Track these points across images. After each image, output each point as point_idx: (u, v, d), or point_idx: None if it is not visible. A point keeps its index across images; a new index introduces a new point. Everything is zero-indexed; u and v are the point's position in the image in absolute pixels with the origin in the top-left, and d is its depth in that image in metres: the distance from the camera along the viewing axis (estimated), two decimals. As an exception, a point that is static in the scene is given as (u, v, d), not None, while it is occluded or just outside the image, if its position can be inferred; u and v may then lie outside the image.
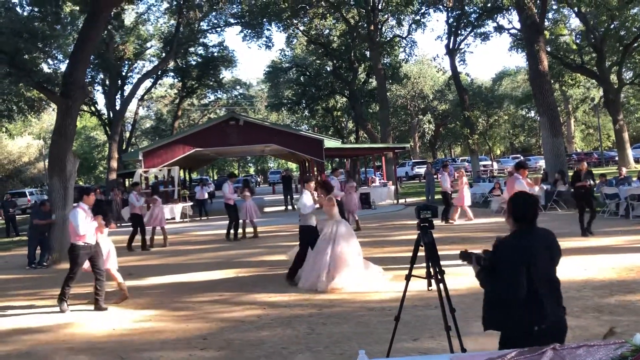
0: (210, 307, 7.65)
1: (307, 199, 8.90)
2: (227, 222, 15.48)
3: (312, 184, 9.38)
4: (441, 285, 4.48)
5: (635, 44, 31.67)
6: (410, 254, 4.79)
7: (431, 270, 4.58)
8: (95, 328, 6.96)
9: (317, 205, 9.10)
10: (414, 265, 4.67)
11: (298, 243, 9.09)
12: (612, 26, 31.62)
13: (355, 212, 15.85)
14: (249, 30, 35.90)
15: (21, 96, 26.41)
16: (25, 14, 16.20)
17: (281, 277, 9.11)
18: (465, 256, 3.39)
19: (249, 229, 15.74)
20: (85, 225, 7.79)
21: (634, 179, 15.90)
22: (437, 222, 14.26)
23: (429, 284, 4.66)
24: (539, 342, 2.87)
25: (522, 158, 40.64)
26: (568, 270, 7.72)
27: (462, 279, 8.16)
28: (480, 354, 2.98)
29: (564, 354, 2.70)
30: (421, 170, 42.07)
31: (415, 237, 4.73)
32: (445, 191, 16.39)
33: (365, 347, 5.45)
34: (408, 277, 4.74)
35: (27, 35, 14.82)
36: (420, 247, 4.66)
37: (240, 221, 15.51)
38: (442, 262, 4.53)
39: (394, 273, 8.67)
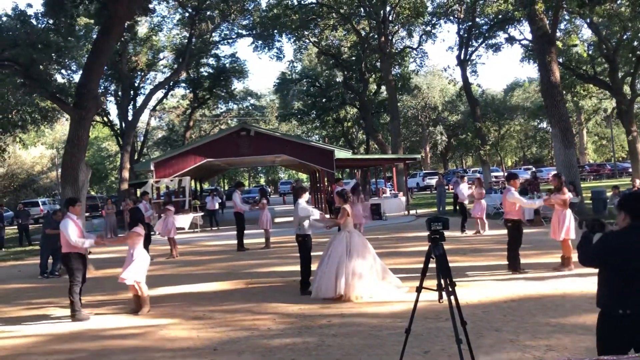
0: (221, 317, 7.65)
1: (307, 207, 8.99)
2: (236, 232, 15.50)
3: (306, 195, 9.36)
4: (452, 297, 4.47)
5: (649, 55, 31.46)
6: (421, 266, 4.78)
7: (442, 282, 4.57)
8: (107, 336, 6.98)
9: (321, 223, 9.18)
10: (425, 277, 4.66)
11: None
12: (624, 37, 31.47)
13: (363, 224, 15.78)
14: (260, 42, 36.17)
15: (35, 106, 26.78)
16: (40, 26, 16.42)
17: (291, 288, 9.10)
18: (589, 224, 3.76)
19: (262, 239, 15.76)
20: (76, 237, 7.86)
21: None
22: (451, 233, 14.22)
23: (440, 296, 4.65)
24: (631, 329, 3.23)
25: (534, 169, 40.43)
26: (583, 283, 7.63)
27: (473, 290, 8.11)
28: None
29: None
30: (432, 181, 41.96)
31: (426, 248, 4.73)
32: (462, 202, 16.79)
33: (376, 359, 5.43)
34: (419, 289, 4.74)
35: (42, 47, 15.02)
36: (432, 259, 4.66)
37: (262, 230, 15.61)
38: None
39: (405, 284, 8.63)
